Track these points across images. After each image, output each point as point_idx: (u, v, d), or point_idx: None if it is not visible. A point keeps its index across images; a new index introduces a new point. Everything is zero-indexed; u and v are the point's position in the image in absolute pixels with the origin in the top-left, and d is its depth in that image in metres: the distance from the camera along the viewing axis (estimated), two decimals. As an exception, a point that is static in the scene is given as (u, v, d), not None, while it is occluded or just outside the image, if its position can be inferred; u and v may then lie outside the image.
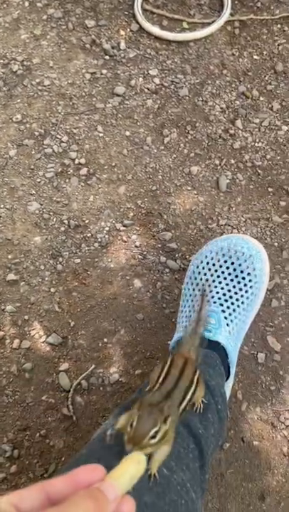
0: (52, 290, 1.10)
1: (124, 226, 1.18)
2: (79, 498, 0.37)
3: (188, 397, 0.68)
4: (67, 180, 1.23)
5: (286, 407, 0.98)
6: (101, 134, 1.30)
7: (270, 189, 1.23)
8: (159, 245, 1.16)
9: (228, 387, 0.94)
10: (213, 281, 0.92)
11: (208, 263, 0.94)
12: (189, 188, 1.23)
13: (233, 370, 0.92)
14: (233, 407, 0.98)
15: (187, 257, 1.14)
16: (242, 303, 0.91)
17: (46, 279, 1.12)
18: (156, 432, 0.56)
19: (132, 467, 0.46)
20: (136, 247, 1.15)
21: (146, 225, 1.18)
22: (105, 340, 1.05)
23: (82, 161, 1.26)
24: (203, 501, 0.71)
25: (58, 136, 1.29)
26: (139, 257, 1.14)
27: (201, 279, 0.94)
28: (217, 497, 0.91)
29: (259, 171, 1.25)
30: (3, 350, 1.04)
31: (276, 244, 1.16)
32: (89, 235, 1.17)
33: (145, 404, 0.59)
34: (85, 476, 0.41)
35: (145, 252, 1.15)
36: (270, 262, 1.02)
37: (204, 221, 1.19)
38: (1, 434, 0.96)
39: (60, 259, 1.14)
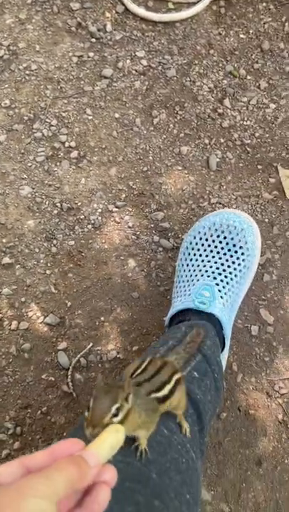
0: (47, 272, 1.12)
1: (116, 207, 1.20)
2: (62, 463, 0.40)
3: (163, 391, 0.63)
4: (58, 164, 1.25)
5: (280, 377, 1.02)
6: (90, 117, 1.31)
7: (259, 166, 1.26)
8: (152, 225, 1.18)
9: (224, 358, 0.97)
10: (206, 255, 0.95)
11: (201, 238, 0.97)
12: (180, 168, 1.25)
13: (227, 342, 0.96)
14: (229, 379, 1.02)
15: (180, 235, 1.17)
16: (235, 276, 0.94)
17: (41, 261, 1.14)
18: (118, 409, 0.51)
19: (110, 437, 0.47)
20: (129, 227, 1.18)
21: (138, 205, 1.21)
22: (102, 319, 1.08)
23: (73, 144, 1.27)
24: (202, 463, 0.74)
25: (47, 120, 1.30)
26: (133, 237, 1.17)
27: (195, 255, 0.97)
28: (216, 464, 0.95)
29: (248, 149, 1.28)
30: (1, 331, 1.06)
31: (267, 220, 1.19)
32: (82, 217, 1.19)
33: (101, 386, 0.53)
34: (65, 448, 0.43)
35: (138, 232, 1.17)
36: (262, 237, 1.05)
37: (196, 200, 1.21)
38: (3, 413, 0.99)
39: (55, 241, 1.16)
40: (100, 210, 1.20)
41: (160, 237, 1.17)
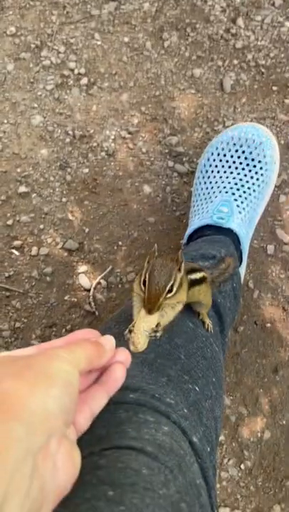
0: (63, 200, 1.15)
1: (129, 133, 1.20)
2: (82, 342, 0.44)
3: (196, 275, 0.71)
4: (68, 92, 1.24)
5: (295, 292, 1.07)
6: (99, 42, 1.29)
7: (274, 88, 1.24)
8: (166, 150, 1.19)
9: (241, 273, 1.01)
10: (225, 172, 0.98)
11: (218, 154, 0.98)
12: (193, 92, 1.24)
13: (245, 257, 1.00)
14: (246, 295, 1.07)
15: (194, 160, 1.18)
16: (253, 191, 0.96)
17: (57, 189, 1.16)
18: (173, 285, 0.58)
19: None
20: (143, 153, 1.19)
21: (151, 131, 1.21)
22: (120, 243, 1.12)
23: (82, 70, 1.26)
24: (224, 359, 0.80)
25: (55, 47, 1.29)
26: (147, 163, 1.18)
27: (213, 172, 0.99)
28: (234, 372, 1.01)
29: (263, 69, 1.26)
30: (22, 257, 1.11)
31: (282, 142, 1.19)
32: (95, 144, 1.20)
33: (156, 259, 0.60)
34: (81, 335, 0.48)
35: (152, 158, 1.19)
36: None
37: (210, 124, 1.22)
38: (29, 332, 1.05)
39: (69, 169, 1.18)
40: (112, 137, 1.21)
41: (175, 162, 1.18)
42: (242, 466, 0.99)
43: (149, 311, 0.58)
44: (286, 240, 1.15)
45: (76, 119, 1.27)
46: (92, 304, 1.10)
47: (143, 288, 0.60)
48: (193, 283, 0.70)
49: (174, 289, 0.60)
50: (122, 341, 0.68)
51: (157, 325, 0.62)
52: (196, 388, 0.66)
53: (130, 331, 0.61)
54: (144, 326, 0.60)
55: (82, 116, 1.27)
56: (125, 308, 0.79)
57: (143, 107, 1.28)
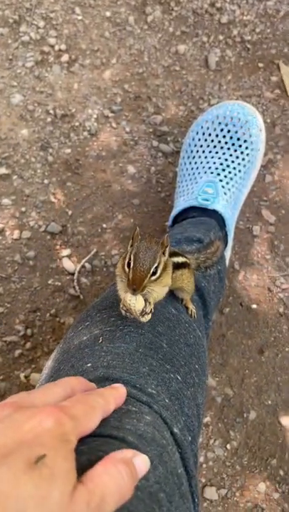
0: (45, 182, 1.14)
1: (112, 112, 1.19)
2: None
3: (178, 259, 0.72)
4: (48, 69, 1.22)
5: (281, 273, 1.07)
6: (80, 17, 1.26)
7: (260, 64, 1.23)
8: (150, 130, 1.18)
9: (227, 256, 1.01)
10: (210, 151, 0.97)
11: (204, 133, 0.97)
12: (177, 69, 1.23)
13: (230, 239, 1.00)
14: (231, 277, 1.07)
15: (179, 139, 1.17)
16: (239, 171, 0.96)
17: (38, 171, 1.15)
18: (157, 268, 0.61)
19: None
20: (126, 133, 1.17)
21: (135, 109, 1.19)
22: (104, 226, 1.11)
23: (63, 47, 1.23)
24: (207, 344, 0.80)
25: (34, 22, 1.26)
26: (131, 143, 1.17)
27: (198, 151, 0.98)
28: (220, 354, 1.02)
29: (248, 45, 1.25)
30: (4, 241, 1.10)
31: (269, 120, 1.19)
32: (77, 124, 1.18)
33: (141, 241, 0.61)
34: (78, 387, 0.50)
35: (136, 138, 1.17)
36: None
37: (195, 102, 1.20)
38: (13, 317, 1.05)
39: (50, 150, 1.16)
40: (95, 116, 1.19)
41: (159, 141, 1.17)
42: (228, 446, 1.01)
43: (134, 291, 0.60)
44: (271, 220, 1.16)
45: (57, 97, 1.24)
46: (77, 287, 1.10)
47: (127, 270, 0.61)
48: (176, 267, 0.71)
49: (158, 272, 0.61)
50: (103, 330, 0.68)
51: (145, 307, 0.63)
52: (178, 377, 0.66)
53: (126, 311, 0.64)
54: (131, 305, 0.61)
55: (64, 94, 1.24)
56: (106, 295, 0.79)
57: (126, 85, 1.25)
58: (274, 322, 1.10)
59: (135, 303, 0.61)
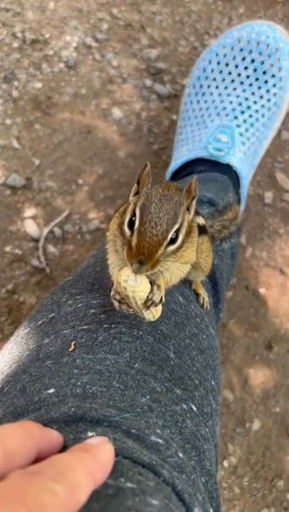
0: (8, 122, 0.89)
1: (96, 42, 0.94)
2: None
3: (200, 220, 0.50)
4: (17, -20, 0.95)
5: (297, 251, 0.87)
6: None
7: (280, -3, 1.00)
8: (143, 66, 0.94)
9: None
10: (226, 87, 0.74)
11: (219, 63, 0.74)
12: (179, -7, 0.98)
13: (243, 205, 0.78)
14: (237, 253, 0.85)
15: (178, 80, 0.94)
16: (262, 116, 0.74)
17: (0, 108, 0.89)
18: (178, 232, 0.39)
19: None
20: (113, 67, 0.93)
21: (125, 40, 0.95)
22: (80, 181, 0.87)
23: None
24: (218, 342, 0.59)
25: None
26: (118, 80, 0.93)
27: (209, 86, 0.75)
28: (219, 348, 0.81)
29: (267, -27, 1.01)
30: None
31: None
32: (51, 52, 0.93)
33: (154, 187, 0.39)
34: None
35: (125, 75, 0.93)
36: None
37: (199, 36, 0.97)
38: None
39: (16, 83, 0.91)
40: (74, 45, 0.94)
41: (153, 81, 0.94)
42: (225, 464, 0.81)
43: (137, 268, 0.37)
44: (287, 186, 0.95)
45: (27, 18, 0.98)
46: (42, 258, 0.86)
47: (129, 232, 0.38)
48: (202, 229, 0.49)
49: (180, 239, 0.39)
50: (77, 329, 0.45)
51: (151, 293, 0.40)
52: (193, 408, 0.44)
53: (119, 302, 0.42)
54: (129, 291, 0.38)
55: (36, 15, 0.98)
56: (83, 271, 0.55)
57: (115, 9, 1.00)
58: (285, 311, 0.90)
59: (135, 286, 0.38)
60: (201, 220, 0.48)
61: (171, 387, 0.43)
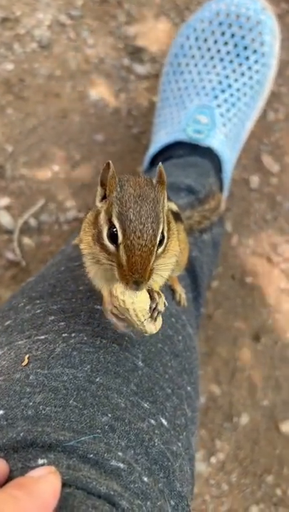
0: (-22, 106, 0.84)
1: (71, 19, 0.90)
2: None
3: (173, 206, 0.47)
4: None
5: (284, 238, 0.84)
6: None
7: None
8: (121, 45, 0.90)
9: (219, 211, 0.76)
10: (205, 65, 0.70)
11: (197, 38, 0.70)
12: None
13: (225, 191, 0.74)
14: (221, 242, 0.82)
15: (158, 59, 0.90)
16: (244, 94, 0.70)
17: None
18: (163, 231, 0.36)
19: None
20: (89, 47, 0.89)
21: (101, 17, 0.91)
22: (56, 169, 0.83)
23: None
24: (197, 340, 0.56)
25: None
26: (95, 60, 0.89)
27: (188, 65, 0.71)
28: (204, 340, 0.79)
29: None
30: None
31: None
32: (23, 31, 0.88)
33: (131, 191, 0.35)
34: None
35: (102, 54, 0.89)
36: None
37: (179, 12, 0.93)
38: None
39: (-15, 64, 0.85)
40: (47, 23, 0.90)
41: (132, 60, 0.89)
42: (212, 460, 0.78)
43: (137, 285, 0.34)
44: (274, 170, 0.91)
45: (-4, -6, 0.93)
46: (17, 250, 0.82)
47: (112, 246, 0.35)
48: (178, 216, 0.45)
49: (166, 237, 0.36)
50: (33, 339, 0.41)
51: (154, 303, 0.37)
52: (163, 421, 0.40)
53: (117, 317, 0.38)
54: (128, 304, 0.35)
55: (5, -10, 0.93)
56: (46, 271, 0.51)
57: (90, -16, 0.95)
58: (273, 300, 0.87)
59: (134, 298, 0.35)
60: (173, 206, 0.45)
61: (137, 402, 0.39)
